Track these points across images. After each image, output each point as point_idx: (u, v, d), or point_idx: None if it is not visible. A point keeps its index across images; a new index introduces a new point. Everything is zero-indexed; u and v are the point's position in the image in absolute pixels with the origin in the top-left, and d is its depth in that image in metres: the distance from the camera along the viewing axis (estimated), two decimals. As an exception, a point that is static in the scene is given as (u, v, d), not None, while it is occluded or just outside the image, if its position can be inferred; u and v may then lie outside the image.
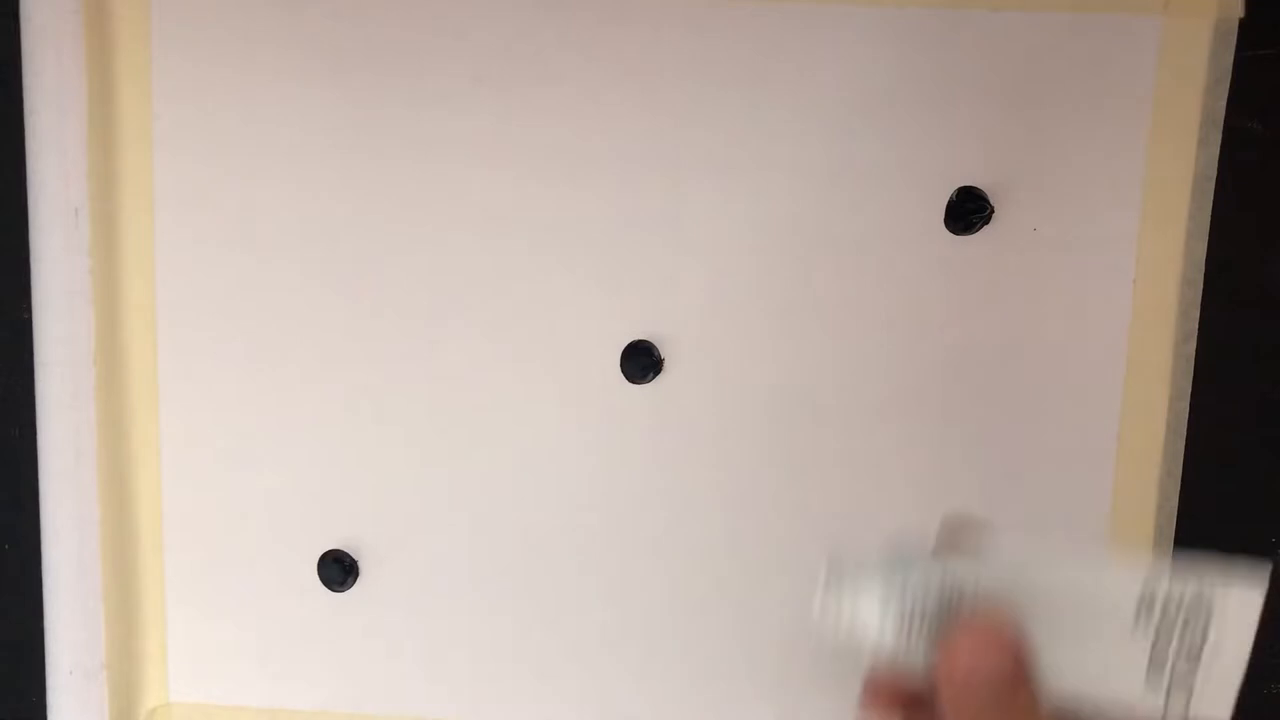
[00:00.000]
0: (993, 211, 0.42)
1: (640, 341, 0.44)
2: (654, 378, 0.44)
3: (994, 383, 0.43)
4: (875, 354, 0.44)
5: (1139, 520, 0.44)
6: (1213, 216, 0.42)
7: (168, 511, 0.46)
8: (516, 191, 0.44)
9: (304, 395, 0.45)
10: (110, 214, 0.44)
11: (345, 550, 0.46)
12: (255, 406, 0.45)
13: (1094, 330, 0.43)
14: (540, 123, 0.43)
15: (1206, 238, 0.42)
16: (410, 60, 0.43)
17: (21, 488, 0.46)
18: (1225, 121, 0.41)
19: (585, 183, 0.43)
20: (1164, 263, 0.42)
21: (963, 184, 0.42)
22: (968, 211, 0.42)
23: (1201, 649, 0.30)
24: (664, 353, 0.44)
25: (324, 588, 0.46)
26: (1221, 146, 0.41)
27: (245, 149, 0.44)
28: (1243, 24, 0.41)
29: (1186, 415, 0.43)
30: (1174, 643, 0.30)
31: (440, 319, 0.45)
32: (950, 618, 0.31)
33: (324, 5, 0.43)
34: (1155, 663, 0.30)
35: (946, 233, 0.43)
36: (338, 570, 0.46)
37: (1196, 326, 0.42)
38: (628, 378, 0.44)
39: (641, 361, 0.44)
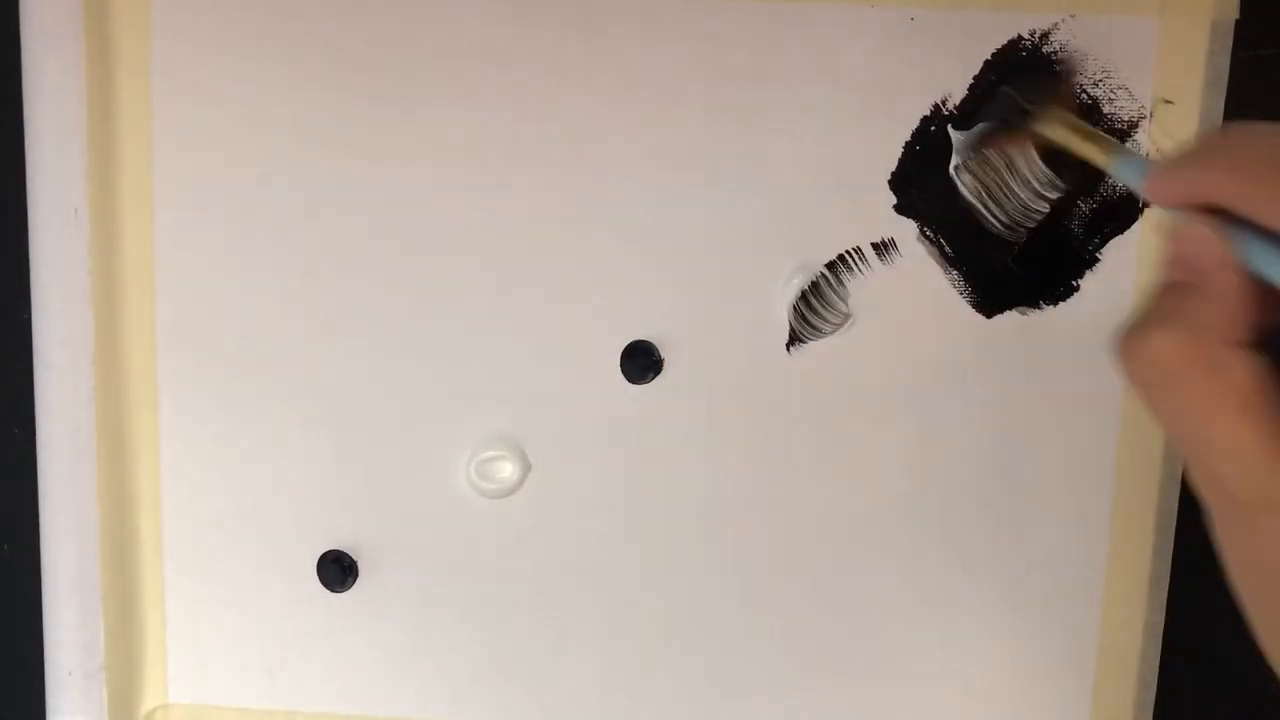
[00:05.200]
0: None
1: (640, 341, 0.44)
2: (654, 378, 0.44)
3: (993, 384, 0.43)
4: (876, 352, 0.44)
5: (1139, 519, 0.44)
6: (1212, 216, 0.42)
7: (167, 512, 0.46)
8: (516, 191, 0.44)
9: (304, 395, 0.45)
10: (110, 214, 0.44)
11: (344, 551, 0.46)
12: (255, 407, 0.45)
13: (1094, 330, 0.43)
14: (540, 122, 0.43)
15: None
16: (410, 60, 0.43)
17: (21, 488, 0.46)
18: (1223, 122, 0.41)
19: (585, 182, 0.43)
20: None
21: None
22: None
23: None
24: (664, 353, 0.44)
25: (323, 589, 0.46)
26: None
27: (245, 149, 0.44)
28: (1239, 24, 0.41)
29: (1186, 415, 0.43)
30: None
31: (440, 319, 0.45)
32: None
33: (324, 5, 0.43)
34: None
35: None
36: (337, 571, 0.46)
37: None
38: (628, 378, 0.44)
39: (641, 361, 0.44)
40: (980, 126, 0.41)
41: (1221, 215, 0.29)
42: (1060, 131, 0.38)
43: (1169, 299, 0.30)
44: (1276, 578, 0.29)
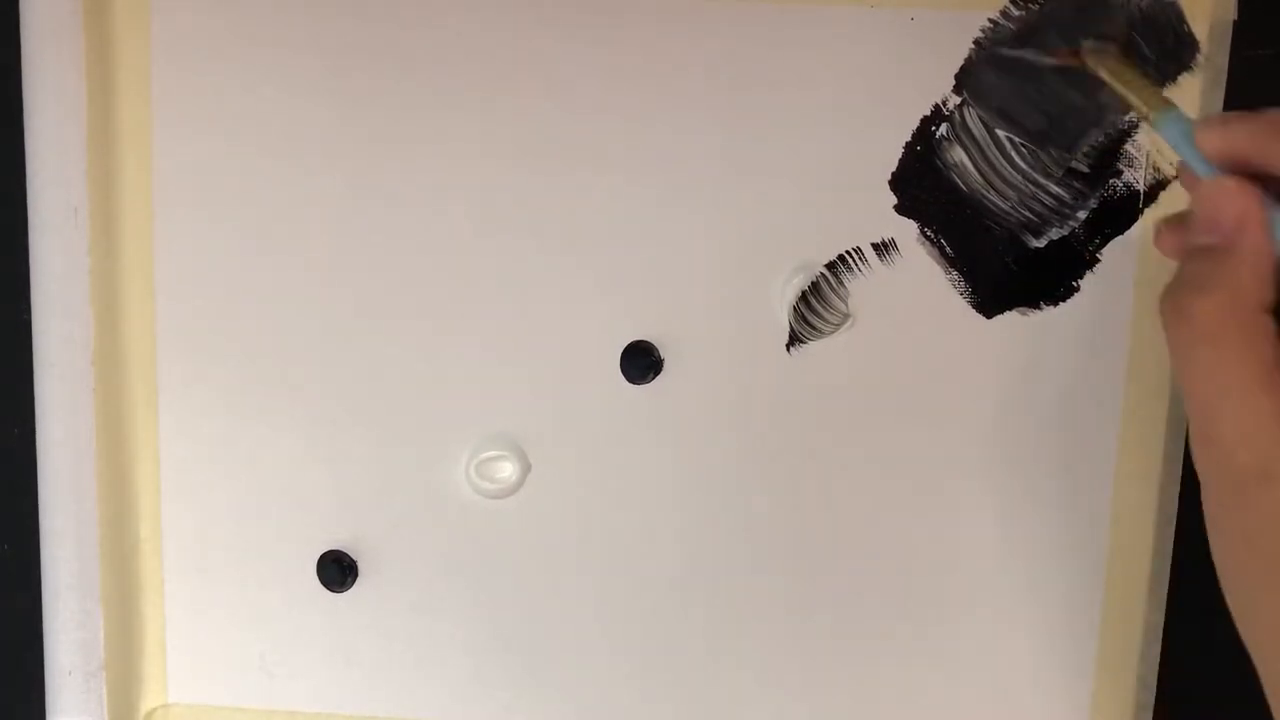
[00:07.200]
0: None
1: (640, 341, 0.44)
2: (654, 378, 0.44)
3: (993, 384, 0.44)
4: (876, 352, 0.44)
5: (1139, 520, 0.44)
6: (1212, 216, 0.42)
7: (167, 511, 0.46)
8: (516, 191, 0.44)
9: (304, 395, 0.45)
10: (110, 214, 0.45)
11: (344, 551, 0.46)
12: (255, 406, 0.45)
13: (1094, 330, 0.43)
14: (540, 122, 0.43)
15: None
16: (410, 61, 0.43)
17: (21, 488, 0.46)
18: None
19: (586, 182, 0.43)
20: (1164, 262, 0.42)
21: (963, 184, 0.43)
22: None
23: None
24: (664, 353, 0.44)
25: (323, 588, 0.46)
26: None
27: (245, 149, 0.44)
28: (1238, 25, 0.41)
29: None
30: None
31: (440, 319, 0.45)
32: None
33: (324, 5, 0.43)
34: None
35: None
36: (337, 571, 0.46)
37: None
38: (628, 378, 0.44)
39: (641, 361, 0.44)
40: (1029, 51, 0.40)
41: (1257, 184, 0.30)
42: (1111, 68, 0.37)
43: (1205, 263, 0.30)
44: (1260, 551, 0.30)
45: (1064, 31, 0.39)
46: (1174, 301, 0.31)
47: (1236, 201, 0.30)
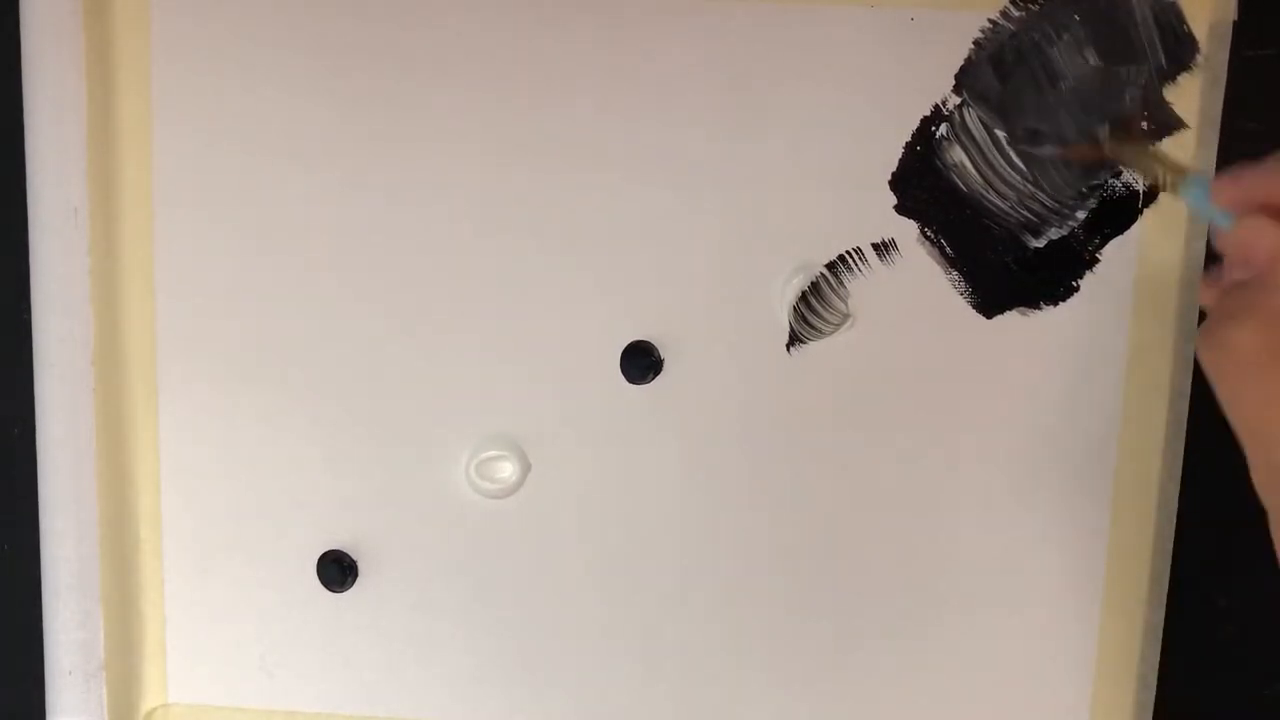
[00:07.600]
0: None
1: (640, 341, 0.44)
2: (654, 378, 0.44)
3: (993, 384, 0.44)
4: (875, 352, 0.44)
5: (1139, 520, 0.44)
6: (1211, 216, 0.42)
7: (167, 512, 0.46)
8: (516, 192, 0.44)
9: (303, 395, 0.45)
10: (110, 214, 0.44)
11: (344, 551, 0.46)
12: (254, 407, 0.45)
13: (1094, 329, 0.43)
14: (541, 123, 0.43)
15: (1206, 238, 0.42)
16: (410, 61, 0.43)
17: (21, 488, 0.46)
18: (1222, 121, 0.41)
19: (586, 183, 0.43)
20: (1164, 263, 0.42)
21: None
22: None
23: None
24: (664, 353, 0.44)
25: (323, 588, 0.46)
26: (1219, 146, 0.42)
27: (244, 149, 0.44)
28: (1237, 25, 0.41)
29: (1186, 414, 0.43)
30: None
31: (441, 319, 0.45)
32: None
33: (324, 5, 0.43)
34: None
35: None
36: (337, 571, 0.46)
37: (1196, 326, 0.42)
38: (628, 378, 0.44)
39: (641, 361, 0.44)
40: (1048, 148, 0.41)
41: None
42: (1132, 155, 0.38)
43: (1239, 296, 0.32)
44: None
45: (1079, 118, 0.39)
46: (1211, 336, 0.31)
47: (1267, 235, 0.31)
